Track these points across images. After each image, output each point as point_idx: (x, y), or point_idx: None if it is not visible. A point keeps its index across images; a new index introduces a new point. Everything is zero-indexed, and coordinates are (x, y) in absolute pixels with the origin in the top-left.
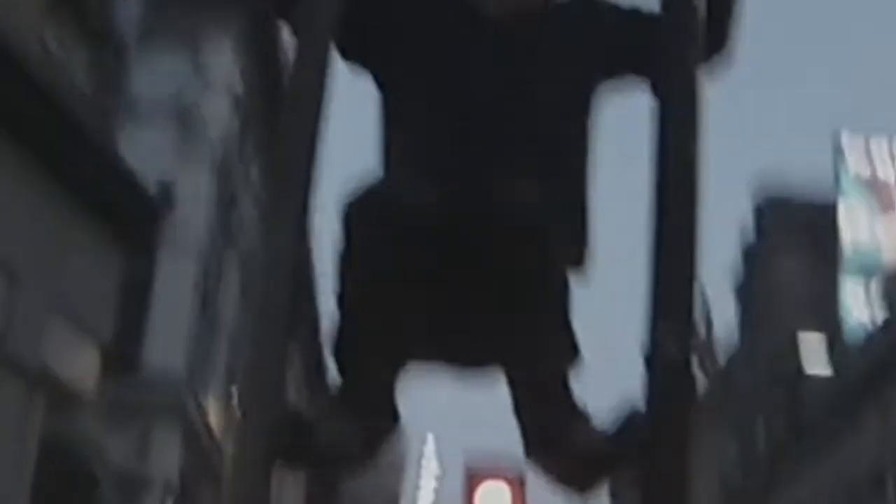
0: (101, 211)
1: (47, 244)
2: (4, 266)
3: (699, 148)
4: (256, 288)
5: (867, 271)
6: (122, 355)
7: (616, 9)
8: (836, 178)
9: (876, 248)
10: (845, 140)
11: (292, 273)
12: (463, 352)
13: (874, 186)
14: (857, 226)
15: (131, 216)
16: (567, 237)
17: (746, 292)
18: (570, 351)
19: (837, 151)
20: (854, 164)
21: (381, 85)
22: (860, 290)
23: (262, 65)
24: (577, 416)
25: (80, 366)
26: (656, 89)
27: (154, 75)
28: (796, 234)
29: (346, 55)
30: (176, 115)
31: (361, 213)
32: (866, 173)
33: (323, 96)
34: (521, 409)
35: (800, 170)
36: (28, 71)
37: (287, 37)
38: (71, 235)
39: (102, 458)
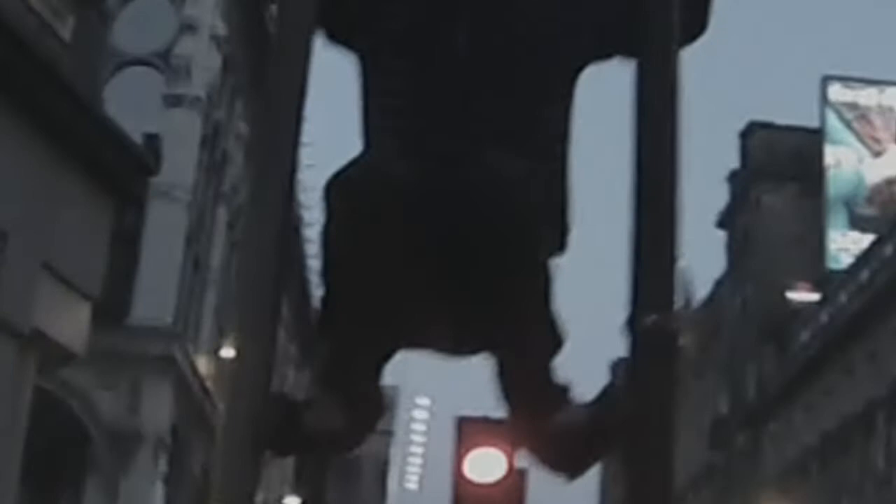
0: (89, 166)
1: (35, 202)
2: None
3: (678, 126)
4: (242, 268)
5: (851, 200)
6: (111, 307)
7: None
8: (822, 122)
9: (859, 177)
10: (833, 89)
11: (277, 251)
12: (448, 341)
13: (860, 128)
14: (840, 159)
15: (119, 170)
16: (549, 220)
17: (732, 222)
18: (555, 337)
19: (824, 99)
20: (842, 109)
21: (364, 62)
22: (843, 216)
23: (243, 5)
24: (560, 397)
25: (71, 324)
26: (637, 68)
27: (138, 24)
28: (781, 160)
29: (332, 38)
30: (162, 62)
31: (342, 188)
32: (853, 115)
33: (305, 87)
34: (507, 394)
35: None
36: (12, 27)
37: None
38: (59, 192)
39: (94, 414)
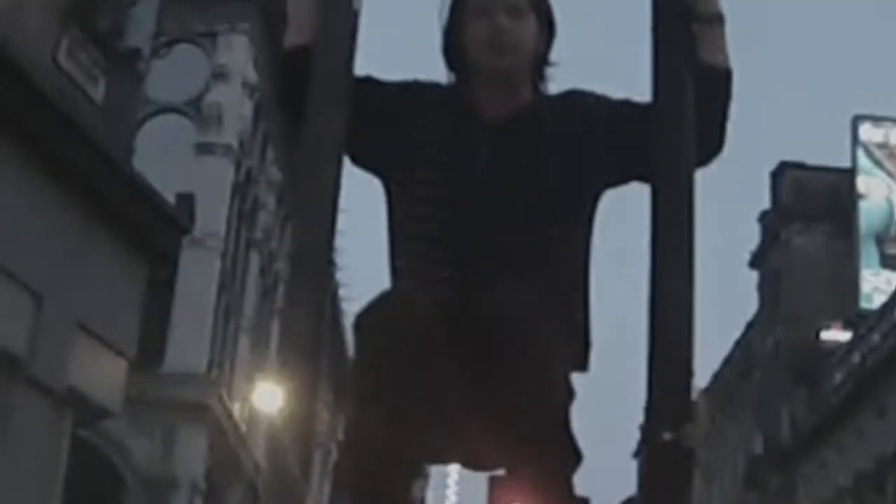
0: (123, 227)
1: (70, 262)
2: (29, 288)
3: (694, 249)
4: (289, 331)
5: (882, 238)
6: (145, 355)
7: (608, 101)
8: (854, 161)
9: (891, 214)
10: (864, 128)
11: (321, 312)
12: (468, 458)
13: (892, 167)
14: (874, 192)
15: (152, 230)
16: (566, 341)
17: (763, 262)
18: (572, 456)
19: (855, 138)
20: (872, 148)
21: (388, 188)
22: (875, 254)
23: (273, 51)
24: None
25: (107, 382)
26: (653, 192)
27: (169, 73)
28: (812, 200)
29: (355, 161)
30: (193, 111)
31: (368, 327)
32: (882, 154)
33: (335, 213)
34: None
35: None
36: (44, 91)
37: None
38: (93, 252)
39: (128, 460)
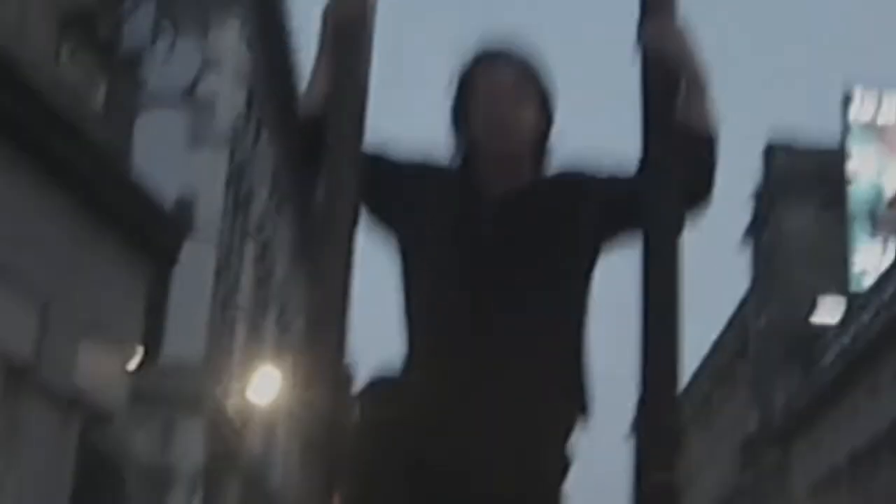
0: (124, 232)
1: (74, 269)
2: (33, 295)
3: (680, 299)
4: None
5: (873, 208)
6: (142, 347)
7: (595, 175)
8: (846, 129)
9: (879, 187)
10: (857, 94)
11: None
12: None
13: (883, 137)
14: (864, 171)
15: (154, 234)
16: (569, 400)
17: (755, 240)
18: None
19: (847, 104)
20: (863, 115)
21: (398, 257)
22: (866, 225)
23: (265, 38)
24: None
25: (112, 386)
26: (644, 243)
27: (164, 67)
28: (803, 178)
29: (372, 212)
30: (188, 102)
31: (368, 403)
32: (873, 123)
33: (351, 264)
34: None
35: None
36: (45, 98)
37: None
38: (96, 258)
39: (127, 453)
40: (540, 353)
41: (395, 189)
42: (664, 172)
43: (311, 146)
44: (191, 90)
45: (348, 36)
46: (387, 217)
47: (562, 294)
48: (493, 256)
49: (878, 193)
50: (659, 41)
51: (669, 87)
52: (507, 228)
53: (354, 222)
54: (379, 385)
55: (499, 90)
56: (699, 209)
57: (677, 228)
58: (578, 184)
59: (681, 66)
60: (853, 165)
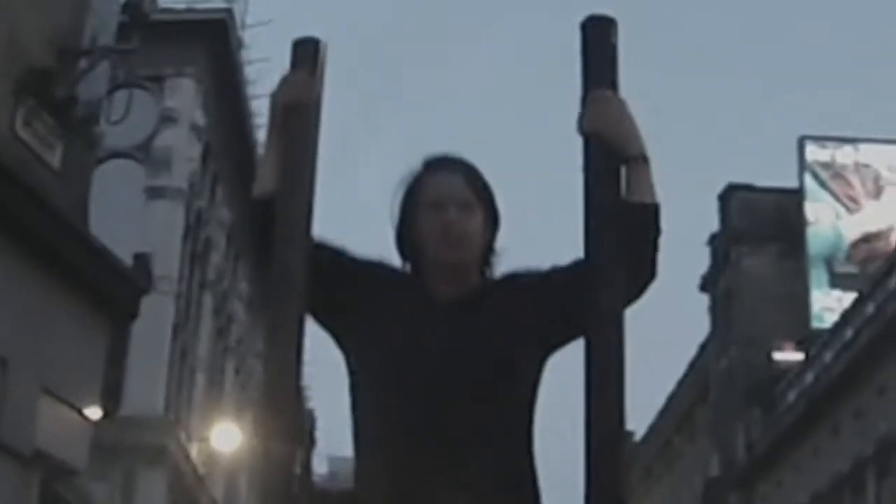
0: (83, 290)
1: (32, 327)
2: None
3: (623, 397)
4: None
5: (831, 258)
6: (102, 399)
7: (538, 275)
8: (801, 182)
9: (838, 234)
10: (810, 149)
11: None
12: None
13: (837, 187)
14: (820, 221)
15: (112, 292)
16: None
17: (714, 284)
18: None
19: (801, 159)
20: (818, 168)
21: (346, 356)
22: (824, 274)
23: (221, 93)
24: None
25: (73, 442)
26: (587, 338)
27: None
28: (761, 222)
29: (315, 316)
30: (143, 155)
31: None
32: (828, 174)
33: (300, 362)
34: None
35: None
36: (0, 157)
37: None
38: (55, 316)
39: None
40: (494, 457)
41: (350, 285)
42: (607, 264)
43: (264, 228)
44: (147, 144)
45: (294, 122)
46: (336, 314)
47: (516, 396)
48: (445, 363)
49: (837, 239)
50: (598, 122)
51: (610, 166)
52: (454, 333)
53: (302, 308)
54: (329, 499)
55: (448, 198)
56: (645, 284)
57: (619, 320)
58: (522, 290)
59: (621, 144)
60: (811, 213)
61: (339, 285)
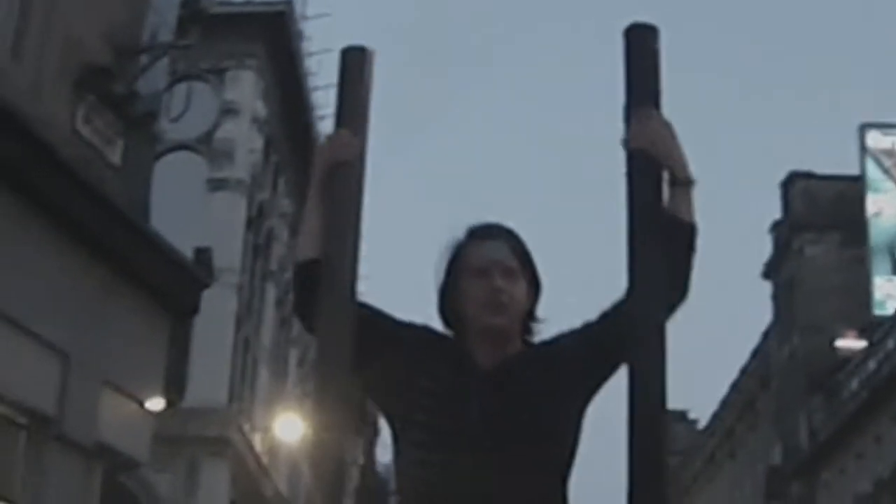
0: (145, 285)
1: (95, 322)
2: (55, 349)
3: (666, 419)
4: None
5: (894, 245)
6: (166, 390)
7: (575, 332)
8: (862, 170)
9: None
10: (872, 136)
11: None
12: None
13: None
14: (883, 213)
15: (173, 286)
16: None
17: (776, 272)
18: None
19: (863, 147)
20: (880, 156)
21: (391, 424)
22: (886, 262)
23: (281, 85)
24: None
25: (134, 434)
26: (630, 364)
27: (179, 110)
28: (823, 209)
29: (367, 391)
30: (204, 147)
31: None
32: (891, 162)
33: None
34: None
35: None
36: (63, 158)
37: (303, 53)
38: (116, 310)
39: (153, 496)
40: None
41: (395, 352)
42: (650, 267)
43: (310, 292)
44: (209, 136)
45: (338, 181)
46: (384, 379)
47: (557, 461)
48: (481, 430)
49: None
50: (645, 140)
51: (655, 184)
52: (495, 400)
53: (347, 370)
54: None
55: (493, 265)
56: (677, 303)
57: (662, 330)
58: (561, 354)
59: (665, 163)
60: (873, 205)
61: (383, 348)
